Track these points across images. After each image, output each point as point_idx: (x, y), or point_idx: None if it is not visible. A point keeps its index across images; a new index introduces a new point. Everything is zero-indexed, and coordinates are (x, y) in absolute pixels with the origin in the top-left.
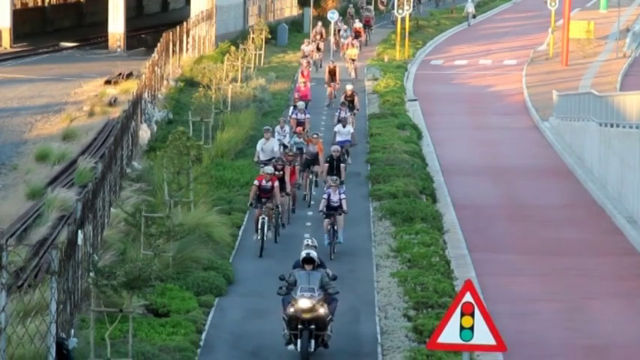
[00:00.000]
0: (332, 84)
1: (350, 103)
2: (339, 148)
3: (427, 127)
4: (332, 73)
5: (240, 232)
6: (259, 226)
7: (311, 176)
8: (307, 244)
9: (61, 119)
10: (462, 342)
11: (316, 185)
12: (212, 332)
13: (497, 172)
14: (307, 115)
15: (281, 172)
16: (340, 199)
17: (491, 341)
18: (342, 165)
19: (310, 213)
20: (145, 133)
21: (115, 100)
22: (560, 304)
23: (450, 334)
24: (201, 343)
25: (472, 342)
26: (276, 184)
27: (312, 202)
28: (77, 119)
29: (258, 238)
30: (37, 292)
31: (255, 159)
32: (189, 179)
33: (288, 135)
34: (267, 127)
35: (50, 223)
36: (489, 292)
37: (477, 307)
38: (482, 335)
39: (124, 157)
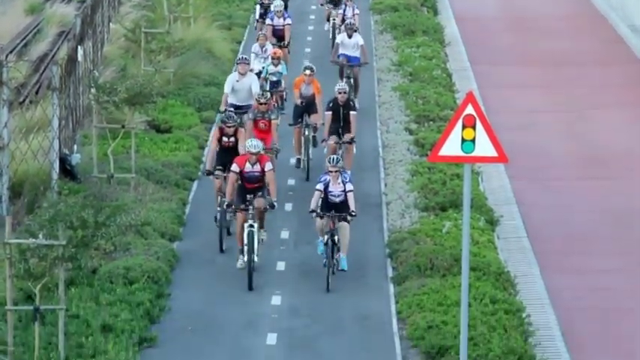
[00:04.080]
0: None
1: None
2: (346, 88)
3: None
4: None
5: (241, 48)
6: (245, 240)
7: (306, 132)
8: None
9: None
10: (463, 154)
11: (314, 145)
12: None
13: None
14: (287, 21)
15: (232, 139)
16: (345, 192)
17: (493, 153)
18: (351, 113)
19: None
20: None
21: None
22: (561, 115)
23: (451, 147)
24: (204, 159)
25: (473, 154)
26: (269, 165)
27: (311, 174)
28: None
29: (244, 261)
30: (38, 108)
31: (222, 107)
32: None
33: (268, 58)
34: (244, 56)
35: (50, 39)
36: (491, 104)
37: (479, 119)
38: (484, 147)
39: None
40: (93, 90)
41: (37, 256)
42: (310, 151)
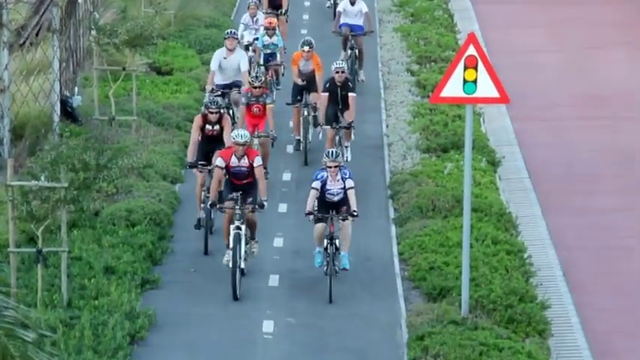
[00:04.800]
0: None
1: None
2: (344, 67)
3: None
4: None
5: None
6: (230, 244)
7: (305, 112)
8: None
9: None
10: (465, 95)
11: (314, 125)
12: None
13: None
14: None
15: (216, 127)
16: (345, 189)
17: (495, 94)
18: (350, 95)
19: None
20: None
21: None
22: (563, 55)
23: (453, 88)
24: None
25: (475, 95)
26: (258, 160)
27: (310, 157)
28: None
29: (228, 260)
30: (38, 50)
31: (208, 86)
32: None
33: (260, 29)
34: (232, 30)
35: None
36: (493, 45)
37: (481, 59)
38: (486, 88)
39: None
40: (93, 32)
41: (39, 199)
42: (310, 133)
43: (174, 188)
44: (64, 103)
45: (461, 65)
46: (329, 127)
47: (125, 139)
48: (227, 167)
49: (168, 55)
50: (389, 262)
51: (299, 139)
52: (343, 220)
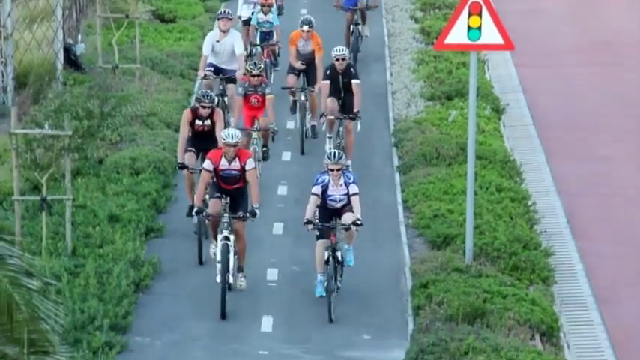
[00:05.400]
0: None
1: None
2: (345, 53)
3: None
4: None
5: None
6: (218, 257)
7: (302, 97)
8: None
9: None
10: (469, 42)
11: (313, 136)
12: None
13: None
14: None
15: (207, 123)
16: (348, 195)
17: (499, 40)
18: (354, 82)
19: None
20: None
21: None
22: (567, 0)
23: (457, 35)
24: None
25: (480, 42)
26: (250, 163)
27: (307, 147)
28: None
29: (215, 253)
30: None
31: (201, 72)
32: None
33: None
34: (226, 10)
35: None
36: None
37: (485, 6)
38: (490, 34)
39: None
40: None
41: (44, 147)
42: (306, 121)
43: (177, 136)
44: (68, 51)
45: (465, 12)
46: (332, 116)
47: (129, 87)
48: (216, 170)
49: (172, 3)
50: (393, 210)
51: (295, 100)
52: (347, 229)
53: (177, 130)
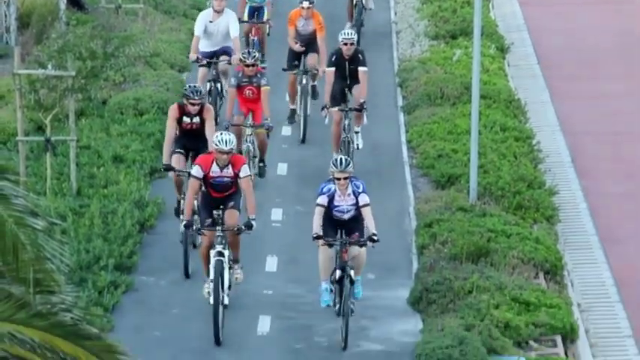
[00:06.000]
0: None
1: None
2: (353, 37)
3: None
4: None
5: None
6: (211, 275)
7: (304, 80)
8: None
9: None
10: None
11: (313, 96)
12: None
13: None
14: None
15: (196, 120)
16: (356, 205)
17: None
18: (360, 70)
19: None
20: None
21: None
22: None
23: None
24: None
25: None
26: (245, 170)
27: (308, 135)
28: None
29: (209, 292)
30: None
31: (192, 55)
32: None
33: None
34: None
35: None
36: None
37: None
38: None
39: None
40: None
41: (47, 87)
42: (308, 105)
43: (181, 77)
44: None
45: None
46: (336, 108)
47: (132, 27)
48: (205, 177)
49: None
50: (397, 150)
51: (294, 109)
52: (361, 246)
53: (180, 71)
